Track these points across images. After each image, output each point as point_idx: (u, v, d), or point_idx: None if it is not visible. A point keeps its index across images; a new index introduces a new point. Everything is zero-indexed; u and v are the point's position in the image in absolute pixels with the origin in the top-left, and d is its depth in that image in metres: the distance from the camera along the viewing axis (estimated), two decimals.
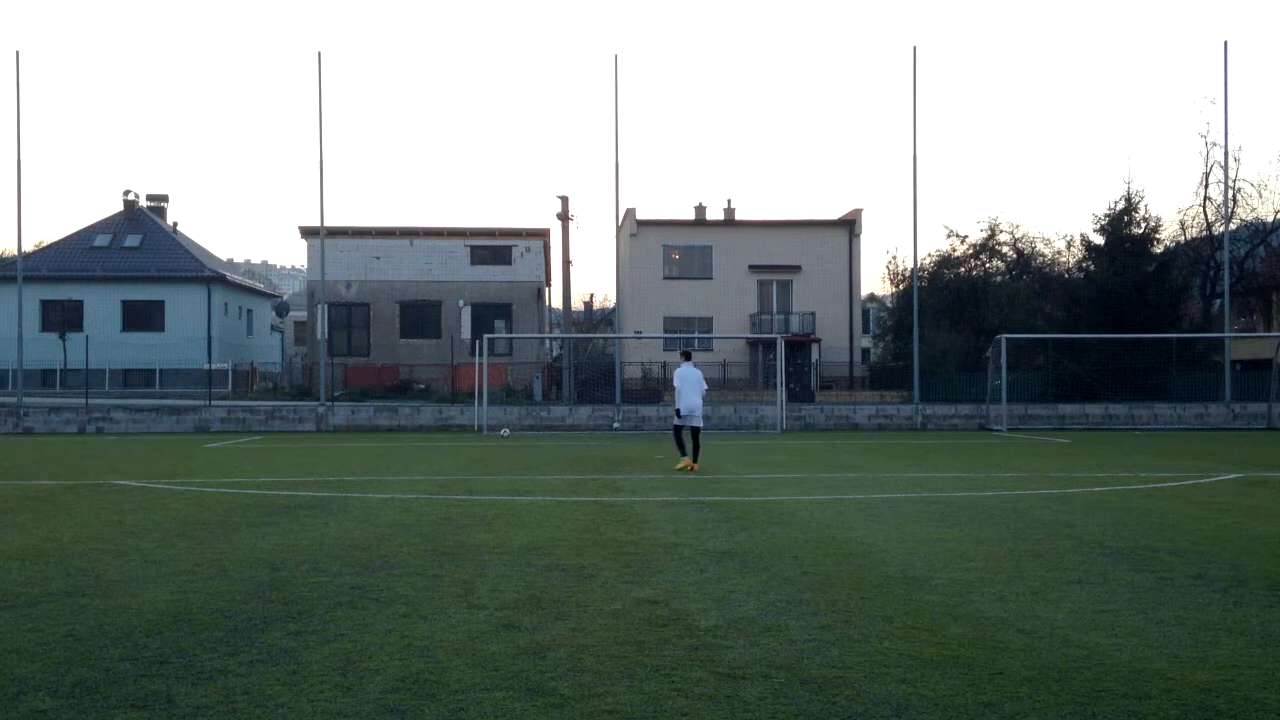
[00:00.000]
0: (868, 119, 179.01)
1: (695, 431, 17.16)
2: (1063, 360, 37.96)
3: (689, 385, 17.13)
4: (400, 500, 12.86)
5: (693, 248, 51.98)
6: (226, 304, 54.56)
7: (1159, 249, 43.41)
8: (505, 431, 30.15)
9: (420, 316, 48.80)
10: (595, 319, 69.72)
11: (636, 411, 32.70)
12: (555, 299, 57.47)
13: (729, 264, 51.22)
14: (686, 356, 17.88)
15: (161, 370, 48.40)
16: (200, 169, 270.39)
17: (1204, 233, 45.97)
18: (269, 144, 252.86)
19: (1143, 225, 42.69)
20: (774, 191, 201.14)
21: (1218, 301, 45.01)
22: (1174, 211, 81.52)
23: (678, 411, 17.17)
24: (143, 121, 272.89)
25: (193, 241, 59.47)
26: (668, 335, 47.75)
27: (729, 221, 54.44)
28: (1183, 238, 46.44)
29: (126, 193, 57.17)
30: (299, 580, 7.64)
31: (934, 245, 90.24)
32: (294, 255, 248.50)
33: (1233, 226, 42.89)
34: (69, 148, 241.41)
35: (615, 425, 31.08)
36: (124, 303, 51.19)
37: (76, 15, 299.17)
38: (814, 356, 49.65)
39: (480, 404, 31.17)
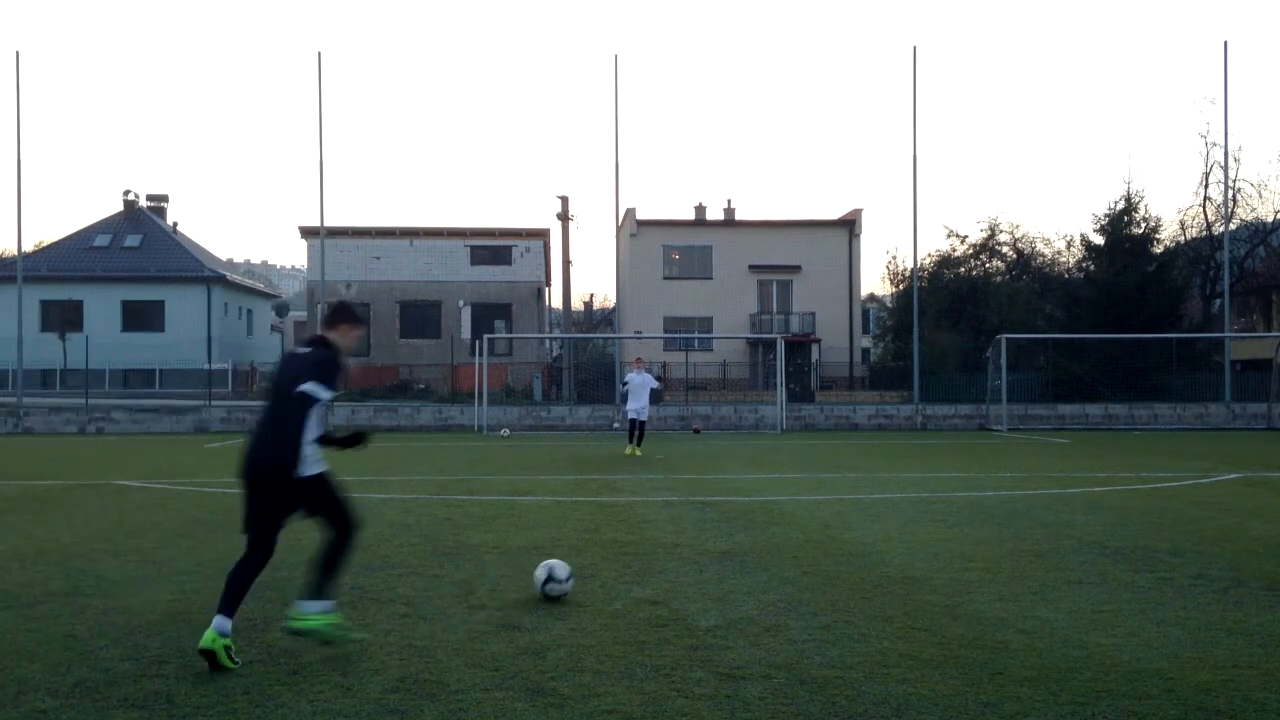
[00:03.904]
0: (868, 119, 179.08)
1: (643, 425, 21.21)
2: (1063, 360, 37.94)
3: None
4: (400, 500, 12.86)
5: (693, 248, 51.98)
6: (226, 304, 54.57)
7: (1159, 249, 43.40)
8: (505, 431, 30.15)
9: (420, 316, 48.81)
10: (595, 319, 69.69)
11: None
12: (555, 299, 57.51)
13: (729, 264, 51.22)
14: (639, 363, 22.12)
15: (161, 370, 48.39)
16: (200, 169, 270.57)
17: (1204, 233, 45.96)
18: (269, 144, 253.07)
19: (1143, 225, 42.69)
20: (774, 191, 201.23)
21: (1218, 301, 45.00)
22: (1174, 211, 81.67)
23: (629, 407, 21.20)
24: (143, 121, 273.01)
25: (193, 241, 59.48)
26: (668, 335, 47.74)
27: (729, 221, 54.43)
28: (1183, 238, 46.43)
29: (126, 193, 57.22)
30: (299, 580, 7.62)
31: (934, 245, 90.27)
32: (294, 255, 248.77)
33: (1233, 226, 42.89)
34: (69, 148, 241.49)
35: (615, 425, 31.05)
36: (124, 303, 51.21)
37: (76, 15, 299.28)
38: (814, 356, 49.65)
39: (480, 404, 31.16)
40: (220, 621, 5.28)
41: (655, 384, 21.86)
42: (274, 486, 5.53)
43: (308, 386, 5.49)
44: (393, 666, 5.34)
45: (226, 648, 5.26)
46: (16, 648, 5.74)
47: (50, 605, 6.82)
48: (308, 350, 5.76)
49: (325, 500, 5.81)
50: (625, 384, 21.59)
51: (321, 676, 5.17)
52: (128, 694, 4.91)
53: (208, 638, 5.23)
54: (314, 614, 5.66)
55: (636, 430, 20.93)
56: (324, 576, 5.78)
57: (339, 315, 5.94)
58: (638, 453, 20.64)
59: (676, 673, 5.21)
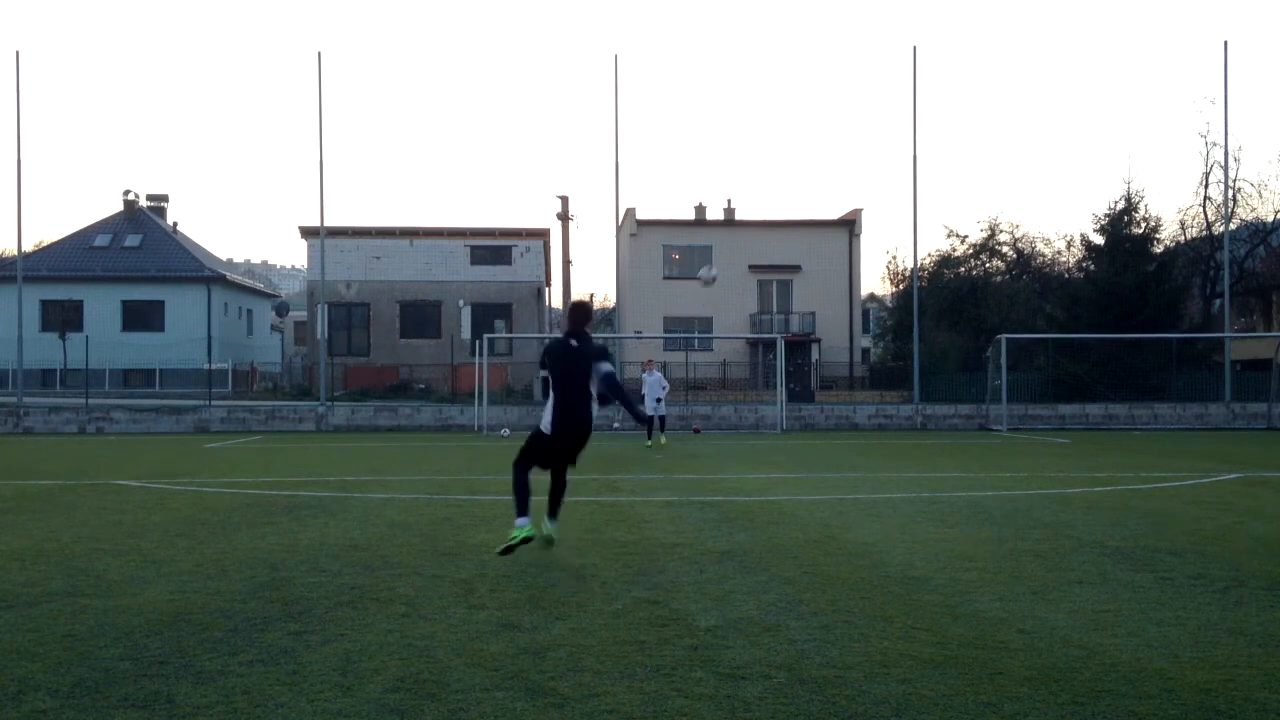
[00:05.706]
0: (868, 119, 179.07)
1: (662, 420, 24.26)
2: (1063, 360, 37.95)
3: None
4: (400, 500, 12.86)
5: (693, 248, 51.97)
6: (226, 304, 54.56)
7: (1159, 249, 43.40)
8: (505, 431, 30.13)
9: (420, 316, 48.80)
10: (595, 319, 69.73)
11: None
12: (555, 299, 57.51)
13: (729, 264, 51.16)
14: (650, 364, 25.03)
15: (161, 370, 48.41)
16: (200, 169, 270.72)
17: (1204, 233, 45.95)
18: (269, 144, 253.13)
19: (1143, 225, 42.69)
20: (774, 191, 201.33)
21: (1218, 301, 45.01)
22: (1174, 211, 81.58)
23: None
24: (143, 121, 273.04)
25: (193, 241, 59.47)
26: (668, 335, 47.75)
27: (729, 221, 54.44)
28: (1183, 238, 46.43)
29: (126, 193, 57.20)
30: (299, 580, 7.63)
31: (934, 245, 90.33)
32: (294, 255, 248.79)
33: (1233, 226, 42.87)
34: (69, 148, 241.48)
35: (615, 425, 31.05)
36: (124, 303, 51.21)
37: (76, 15, 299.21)
38: (814, 356, 49.65)
39: (480, 404, 31.16)
40: (547, 523, 8.54)
41: (665, 385, 24.18)
42: (583, 439, 8.43)
43: (608, 367, 8.17)
44: (393, 666, 5.34)
45: (548, 535, 8.51)
46: (16, 648, 5.74)
47: (50, 605, 6.82)
48: (578, 342, 8.33)
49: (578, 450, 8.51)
50: (644, 391, 23.84)
51: (321, 676, 5.16)
52: (128, 694, 4.91)
53: (547, 532, 8.45)
54: (551, 528, 8.55)
55: (656, 425, 23.23)
56: (558, 504, 8.72)
57: (585, 313, 8.81)
58: (662, 442, 23.16)
59: (676, 673, 5.21)
